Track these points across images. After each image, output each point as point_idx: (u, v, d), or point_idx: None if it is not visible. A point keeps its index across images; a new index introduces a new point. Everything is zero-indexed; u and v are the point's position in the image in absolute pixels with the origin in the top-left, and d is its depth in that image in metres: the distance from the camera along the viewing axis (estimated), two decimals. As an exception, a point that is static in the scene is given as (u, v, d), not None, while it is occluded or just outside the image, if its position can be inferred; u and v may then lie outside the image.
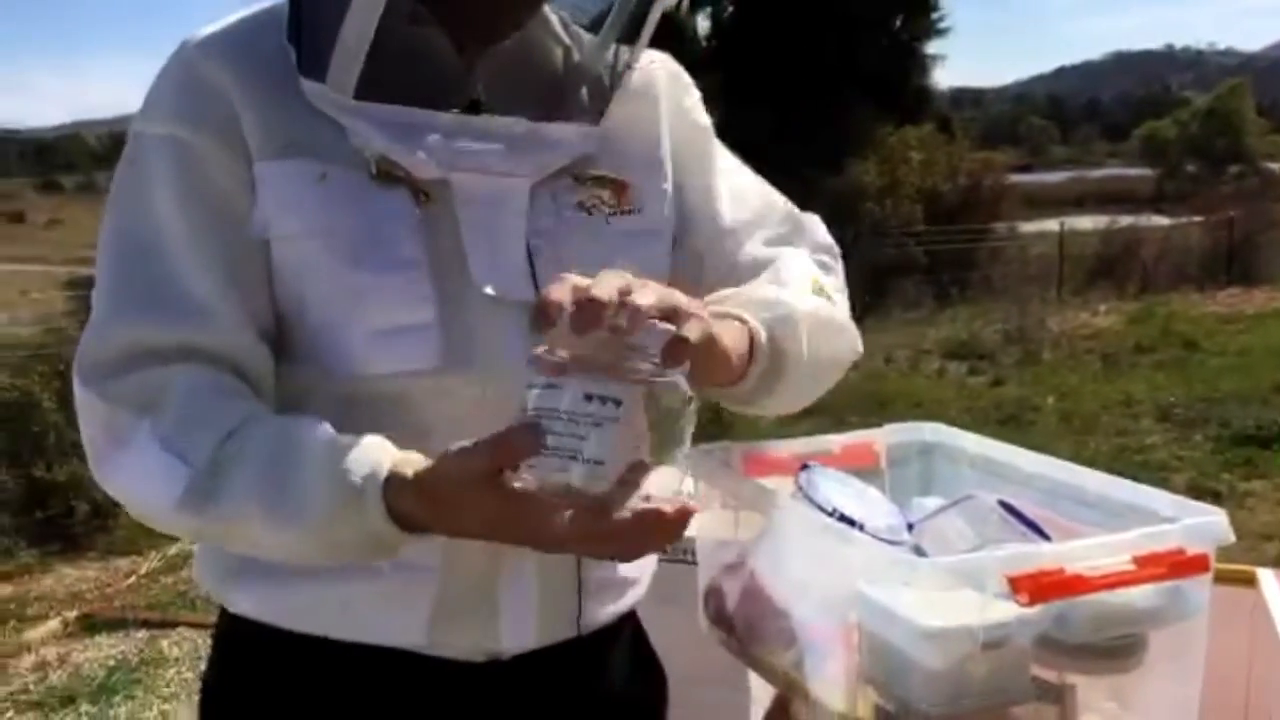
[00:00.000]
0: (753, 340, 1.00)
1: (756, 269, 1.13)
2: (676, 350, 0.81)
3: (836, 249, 1.22)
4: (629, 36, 1.11)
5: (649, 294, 0.82)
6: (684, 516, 0.82)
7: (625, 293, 0.81)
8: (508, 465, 0.81)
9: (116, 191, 1.02)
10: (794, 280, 1.10)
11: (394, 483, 0.87)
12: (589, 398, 0.79)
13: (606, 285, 0.81)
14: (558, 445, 0.79)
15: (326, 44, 0.97)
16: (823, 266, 1.17)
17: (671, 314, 0.83)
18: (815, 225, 1.22)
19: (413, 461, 0.89)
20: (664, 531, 0.82)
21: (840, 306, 1.15)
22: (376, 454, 0.89)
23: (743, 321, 1.00)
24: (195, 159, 0.99)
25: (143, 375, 0.95)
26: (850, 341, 1.14)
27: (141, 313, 0.98)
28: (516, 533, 0.83)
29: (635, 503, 0.81)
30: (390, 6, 0.96)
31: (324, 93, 0.99)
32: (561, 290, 0.80)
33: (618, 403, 0.79)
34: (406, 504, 0.87)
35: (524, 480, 0.81)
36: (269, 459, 0.92)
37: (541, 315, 0.80)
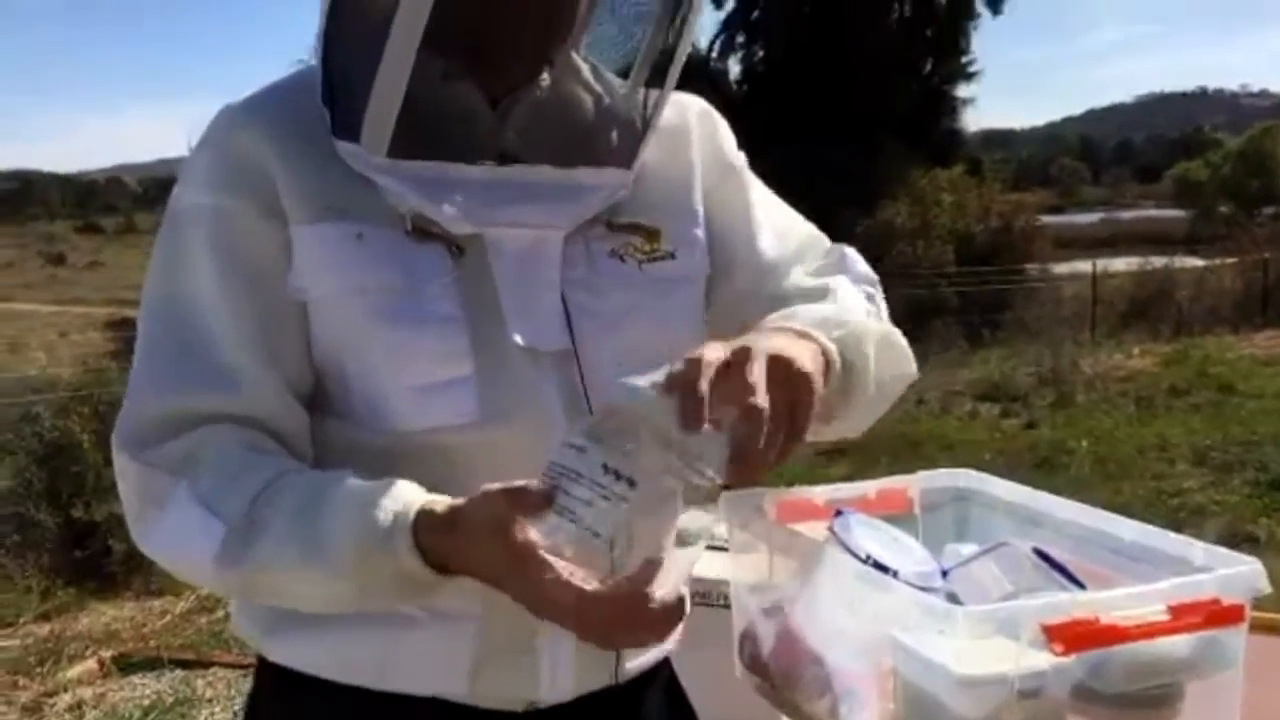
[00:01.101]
0: (826, 359, 0.99)
1: (810, 297, 1.12)
2: (739, 473, 0.85)
3: (877, 280, 1.22)
4: (657, 79, 1.12)
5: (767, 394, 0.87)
6: (671, 621, 0.83)
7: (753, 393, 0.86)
8: (521, 513, 0.82)
9: (156, 259, 1.05)
10: (850, 305, 1.11)
11: (422, 520, 0.89)
12: (606, 469, 0.80)
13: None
14: (565, 505, 0.81)
15: (359, 105, 0.99)
16: (868, 297, 1.18)
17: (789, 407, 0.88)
18: (856, 258, 1.22)
19: (442, 501, 0.90)
20: (648, 630, 0.83)
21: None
22: (406, 494, 0.91)
23: (812, 338, 0.99)
24: (232, 227, 1.02)
25: (178, 440, 0.98)
26: (909, 363, 1.13)
27: (176, 381, 1.00)
28: (515, 587, 0.84)
29: (632, 593, 0.81)
30: (420, 64, 0.98)
31: (358, 153, 1.01)
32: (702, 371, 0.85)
33: (632, 483, 0.80)
34: (434, 542, 0.88)
35: (532, 534, 0.82)
36: (301, 507, 0.93)
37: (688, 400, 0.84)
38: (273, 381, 1.01)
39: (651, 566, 0.82)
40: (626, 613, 0.82)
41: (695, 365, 0.85)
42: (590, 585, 0.81)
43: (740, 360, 0.88)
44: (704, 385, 0.84)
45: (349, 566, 0.91)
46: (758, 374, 0.87)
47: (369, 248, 1.01)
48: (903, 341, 1.12)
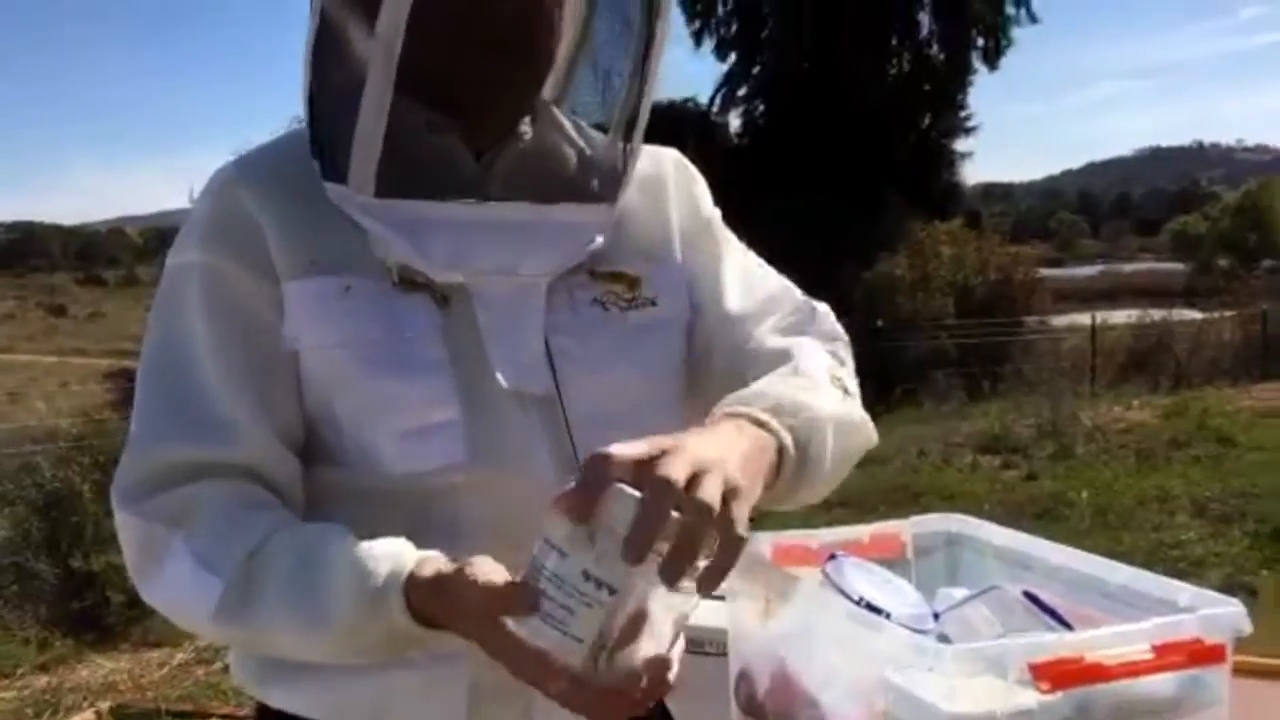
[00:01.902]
0: (781, 452, 0.99)
1: (769, 359, 1.13)
2: (710, 581, 0.83)
3: (846, 338, 1.22)
4: (629, 130, 1.15)
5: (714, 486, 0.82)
6: (654, 696, 0.86)
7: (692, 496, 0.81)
8: (506, 614, 0.84)
9: (153, 316, 1.09)
10: (813, 373, 1.10)
11: (414, 582, 0.91)
12: (587, 576, 0.80)
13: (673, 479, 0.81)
14: (549, 610, 0.82)
15: (344, 150, 1.04)
16: (835, 357, 1.18)
17: (730, 496, 0.84)
18: (825, 314, 1.22)
19: (433, 561, 0.92)
20: (635, 706, 0.86)
21: (856, 399, 1.15)
22: (398, 554, 0.93)
23: (768, 429, 0.99)
24: (224, 284, 1.06)
25: (174, 493, 1.01)
26: (867, 436, 1.15)
27: (171, 433, 1.04)
28: (506, 665, 0.86)
29: (615, 675, 0.83)
30: (404, 114, 1.03)
31: (347, 195, 1.05)
32: (610, 453, 0.82)
33: (613, 591, 0.80)
34: (425, 601, 0.91)
35: (518, 629, 0.84)
36: (295, 569, 0.96)
37: (593, 473, 0.81)
38: (265, 432, 1.04)
39: (634, 678, 0.84)
40: (612, 694, 0.84)
41: (601, 460, 0.82)
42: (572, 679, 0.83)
43: (657, 456, 0.83)
44: (608, 455, 0.82)
45: (344, 627, 0.93)
46: (674, 462, 0.82)
47: (356, 300, 1.05)
48: (862, 416, 1.13)
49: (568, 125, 1.19)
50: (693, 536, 0.80)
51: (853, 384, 1.17)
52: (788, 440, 1.00)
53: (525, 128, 1.15)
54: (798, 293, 1.24)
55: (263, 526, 0.99)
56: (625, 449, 0.82)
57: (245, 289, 1.06)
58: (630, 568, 0.80)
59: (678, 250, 1.20)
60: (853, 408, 1.13)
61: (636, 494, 0.80)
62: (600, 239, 1.13)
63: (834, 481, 1.13)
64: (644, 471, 0.81)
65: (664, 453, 0.83)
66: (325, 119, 1.07)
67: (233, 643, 1.09)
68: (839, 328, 1.22)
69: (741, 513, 0.85)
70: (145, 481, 1.02)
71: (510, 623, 0.83)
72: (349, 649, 0.96)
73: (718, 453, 0.86)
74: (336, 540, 0.96)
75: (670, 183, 1.23)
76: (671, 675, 0.86)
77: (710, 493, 0.81)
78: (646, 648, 0.85)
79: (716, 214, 1.27)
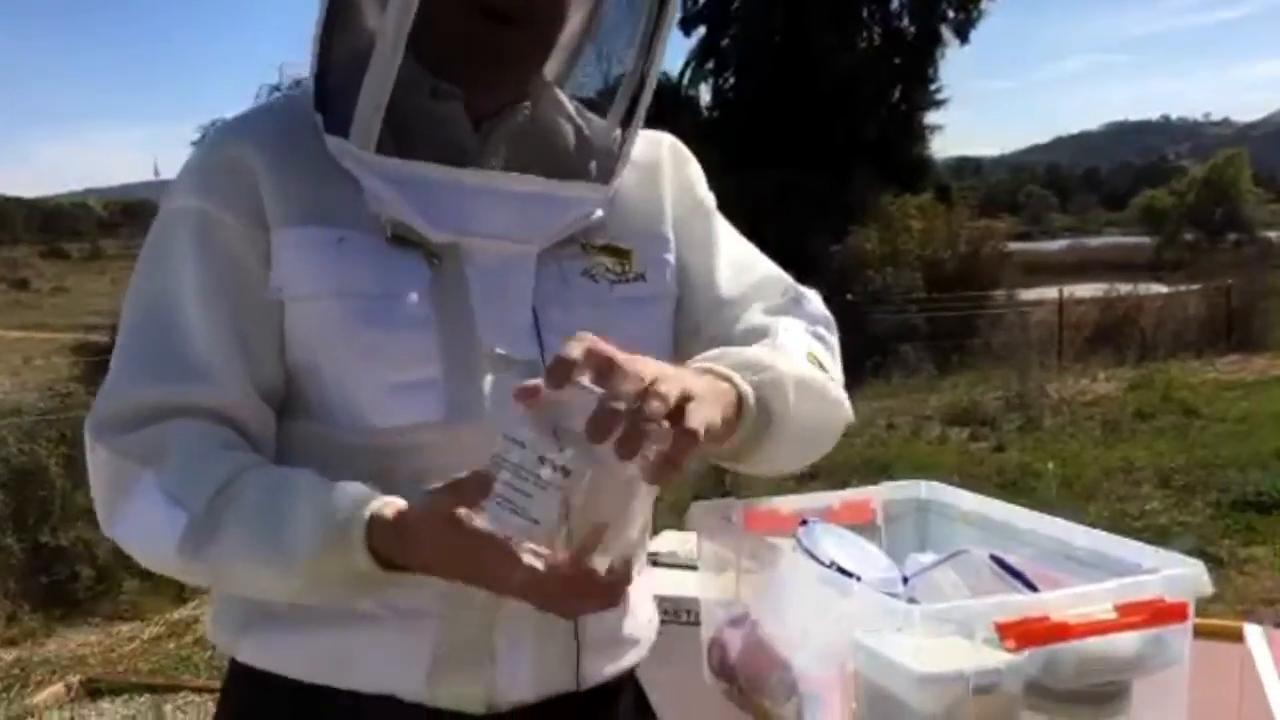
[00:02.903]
0: (741, 401, 1.02)
1: (753, 337, 1.16)
2: (663, 470, 0.86)
3: (832, 321, 1.24)
4: (630, 110, 1.17)
5: (673, 384, 0.87)
6: (616, 589, 0.90)
7: (648, 381, 0.86)
8: (463, 506, 0.87)
9: (143, 255, 1.10)
10: (789, 347, 1.13)
11: (376, 521, 0.93)
12: (542, 460, 0.84)
13: (634, 364, 0.87)
14: (507, 495, 0.85)
15: (349, 104, 1.05)
16: (818, 338, 1.20)
17: (685, 400, 0.88)
18: (813, 298, 1.24)
19: (394, 503, 0.95)
20: (598, 598, 0.89)
21: (834, 378, 1.17)
22: (361, 496, 0.95)
23: (730, 382, 1.02)
24: (213, 228, 1.06)
25: (147, 431, 1.02)
26: (840, 411, 1.16)
27: (149, 374, 1.05)
28: (471, 568, 0.89)
29: (578, 565, 0.86)
30: (410, 78, 1.05)
31: (347, 148, 1.06)
32: (578, 348, 0.86)
33: (566, 472, 0.84)
34: (386, 541, 0.93)
35: (481, 521, 0.87)
36: (261, 502, 0.98)
37: (558, 368, 0.85)
38: (242, 379, 1.05)
39: (595, 534, 0.86)
40: (575, 584, 0.87)
41: (567, 357, 0.86)
42: (538, 562, 0.86)
43: (622, 358, 0.89)
44: (576, 351, 0.86)
45: (303, 559, 0.95)
46: (639, 364, 0.88)
47: (349, 252, 1.05)
48: (836, 392, 1.15)
49: (569, 105, 1.20)
50: (647, 417, 0.84)
51: (831, 363, 1.19)
52: (747, 390, 1.03)
53: (527, 103, 1.16)
54: (787, 278, 1.26)
55: (232, 464, 1.01)
56: (597, 341, 0.87)
57: (235, 236, 1.06)
58: (588, 446, 0.83)
59: (669, 230, 1.21)
60: (825, 381, 1.14)
61: (598, 390, 0.85)
62: (597, 212, 1.14)
63: (805, 449, 1.15)
64: (609, 369, 0.86)
65: (631, 356, 0.88)
66: (333, 71, 1.08)
67: (199, 579, 1.09)
68: (825, 310, 1.24)
69: (697, 413, 0.88)
70: (120, 418, 1.03)
71: (466, 513, 0.86)
72: (306, 585, 0.97)
73: (679, 373, 0.92)
74: (304, 479, 0.99)
75: (666, 165, 1.24)
76: (636, 569, 0.88)
77: (669, 390, 0.86)
78: (608, 538, 0.88)
79: (710, 198, 1.28)
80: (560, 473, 0.84)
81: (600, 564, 0.88)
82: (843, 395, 1.17)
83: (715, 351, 1.08)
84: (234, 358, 1.05)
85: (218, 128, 1.12)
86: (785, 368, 1.08)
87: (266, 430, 1.08)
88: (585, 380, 0.86)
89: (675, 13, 1.16)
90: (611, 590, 0.89)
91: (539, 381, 0.86)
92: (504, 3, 1.07)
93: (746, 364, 1.05)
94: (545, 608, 0.91)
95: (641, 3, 1.16)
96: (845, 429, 1.19)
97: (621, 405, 0.84)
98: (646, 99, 1.16)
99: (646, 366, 0.88)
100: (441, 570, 0.92)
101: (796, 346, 1.14)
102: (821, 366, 1.15)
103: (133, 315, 1.08)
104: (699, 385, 0.93)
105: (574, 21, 1.21)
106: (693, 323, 1.20)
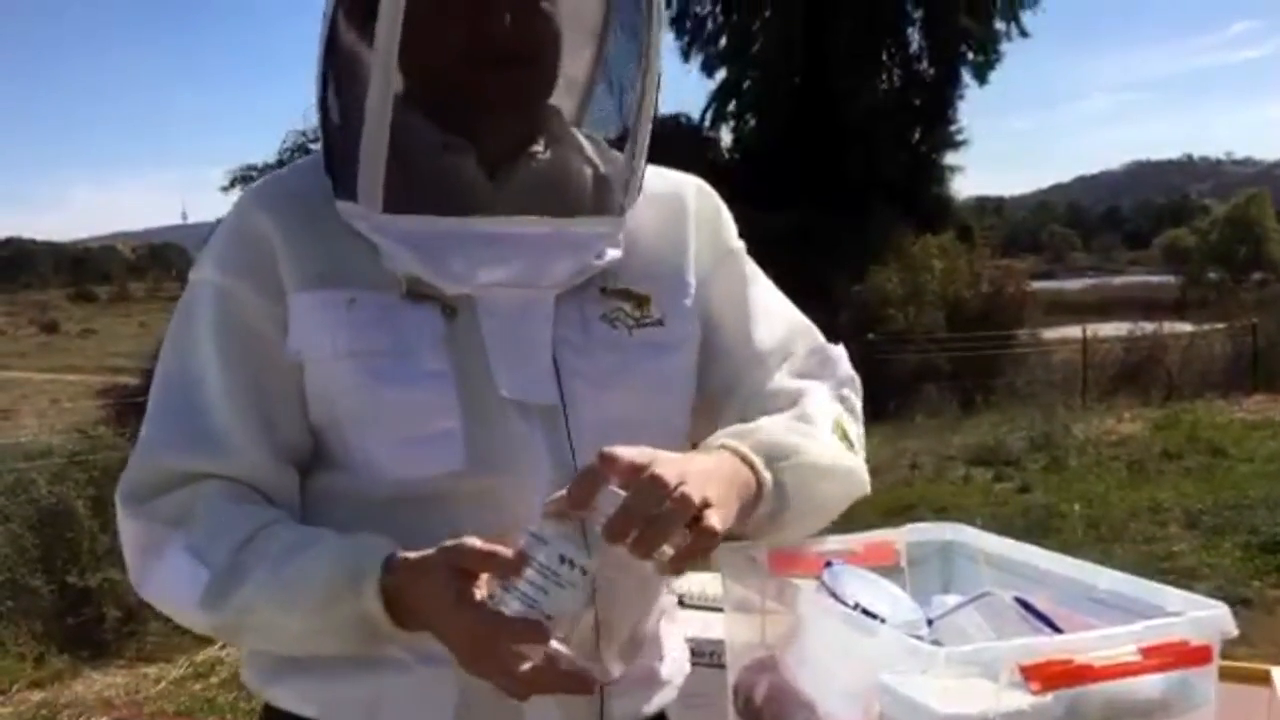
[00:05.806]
0: (760, 487, 1.06)
1: (782, 399, 1.17)
2: (678, 564, 0.93)
3: (858, 381, 1.26)
4: (631, 143, 1.18)
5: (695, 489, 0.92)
6: (585, 688, 0.95)
7: (674, 484, 0.91)
8: (484, 571, 0.92)
9: (171, 326, 1.14)
10: (816, 417, 1.15)
11: (392, 564, 0.97)
12: (563, 559, 0.90)
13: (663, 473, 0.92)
14: (525, 589, 0.90)
15: (354, 166, 1.08)
16: (843, 400, 1.22)
17: (705, 506, 0.93)
18: (840, 358, 1.25)
19: (414, 554, 0.97)
20: (565, 689, 0.95)
21: (855, 446, 1.19)
22: (382, 543, 0.99)
23: (752, 469, 1.06)
24: (233, 303, 1.11)
25: (175, 494, 1.06)
26: (857, 484, 1.19)
27: (173, 441, 1.09)
28: (474, 652, 0.93)
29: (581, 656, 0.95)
30: (418, 132, 1.09)
31: (357, 211, 1.08)
32: (604, 465, 0.92)
33: (585, 571, 0.90)
34: (399, 587, 0.96)
35: (490, 599, 0.92)
36: (284, 548, 1.02)
37: (581, 489, 0.91)
38: (262, 447, 1.09)
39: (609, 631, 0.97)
40: (542, 677, 0.93)
41: (596, 465, 0.93)
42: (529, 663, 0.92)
43: (649, 462, 0.94)
44: (598, 471, 0.92)
45: (316, 602, 0.98)
46: (665, 466, 0.93)
47: (360, 312, 1.08)
48: (855, 464, 1.18)
49: (586, 145, 1.22)
50: (667, 520, 0.90)
51: (855, 429, 1.20)
52: (767, 478, 1.06)
53: (539, 146, 1.17)
54: (814, 330, 1.28)
55: (257, 520, 1.05)
56: (622, 453, 0.92)
57: (253, 308, 1.10)
58: (606, 546, 0.90)
59: (691, 275, 1.21)
60: (846, 456, 1.16)
61: (623, 493, 0.91)
62: (612, 253, 1.15)
63: (817, 523, 1.17)
64: (634, 474, 0.91)
65: (655, 460, 0.93)
66: (335, 137, 1.11)
67: (223, 635, 1.14)
68: (851, 370, 1.26)
69: (716, 515, 0.94)
70: (148, 485, 1.08)
71: (481, 592, 0.91)
72: (320, 630, 1.00)
73: (702, 470, 0.97)
74: (327, 533, 1.03)
75: (690, 209, 1.24)
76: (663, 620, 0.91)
77: (692, 493, 0.91)
78: (621, 633, 0.95)
79: (740, 246, 1.28)
80: (578, 571, 0.90)
81: (615, 670, 0.93)
82: (861, 466, 1.19)
83: (745, 427, 1.11)
84: (254, 428, 1.09)
85: (244, 195, 1.16)
86: (808, 453, 1.10)
87: (288, 494, 1.11)
88: (613, 485, 0.91)
89: (662, 30, 1.16)
90: (582, 689, 0.95)
91: (564, 495, 0.92)
92: (488, 48, 1.09)
93: (771, 450, 1.08)
94: (546, 690, 0.95)
95: (639, 31, 1.17)
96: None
97: (640, 511, 0.89)
98: (645, 124, 1.17)
99: (670, 469, 0.92)
100: (438, 626, 0.95)
101: (823, 416, 1.16)
102: (846, 435, 1.17)
103: (159, 385, 1.13)
104: (719, 476, 0.99)
105: (583, 59, 1.22)
106: (726, 383, 1.21)
